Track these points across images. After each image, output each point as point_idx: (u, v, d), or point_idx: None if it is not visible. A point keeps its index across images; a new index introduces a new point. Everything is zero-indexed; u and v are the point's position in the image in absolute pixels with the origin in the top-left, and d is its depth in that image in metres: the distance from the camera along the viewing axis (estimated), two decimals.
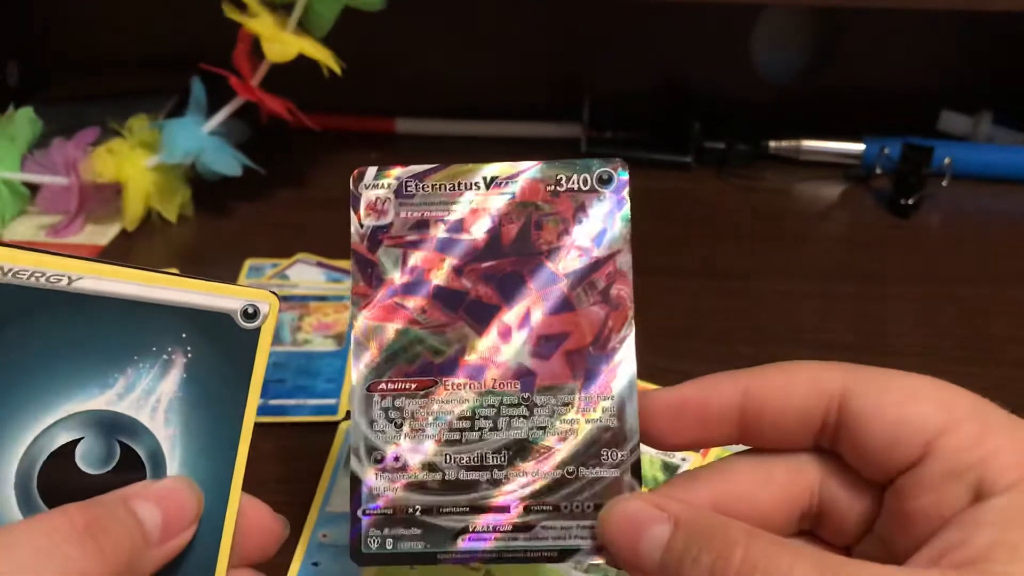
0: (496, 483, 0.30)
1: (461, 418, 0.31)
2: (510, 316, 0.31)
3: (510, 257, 0.32)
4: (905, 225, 0.68)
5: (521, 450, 0.30)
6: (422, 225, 0.32)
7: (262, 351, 0.28)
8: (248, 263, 0.61)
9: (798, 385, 0.28)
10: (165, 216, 0.66)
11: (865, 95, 0.79)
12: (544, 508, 0.30)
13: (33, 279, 0.27)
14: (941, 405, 0.26)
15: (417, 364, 0.31)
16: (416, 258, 0.32)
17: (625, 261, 0.32)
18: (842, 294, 0.60)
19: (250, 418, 0.28)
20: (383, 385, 0.31)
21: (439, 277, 0.32)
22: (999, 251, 0.65)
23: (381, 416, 0.31)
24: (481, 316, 0.31)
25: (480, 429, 0.30)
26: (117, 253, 0.63)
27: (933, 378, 0.27)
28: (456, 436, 0.31)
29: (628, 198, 0.33)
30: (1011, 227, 0.70)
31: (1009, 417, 0.26)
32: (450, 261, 0.32)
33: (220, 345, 0.28)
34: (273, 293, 0.29)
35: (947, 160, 0.71)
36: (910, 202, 0.69)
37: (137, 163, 0.64)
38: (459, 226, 0.32)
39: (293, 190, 0.71)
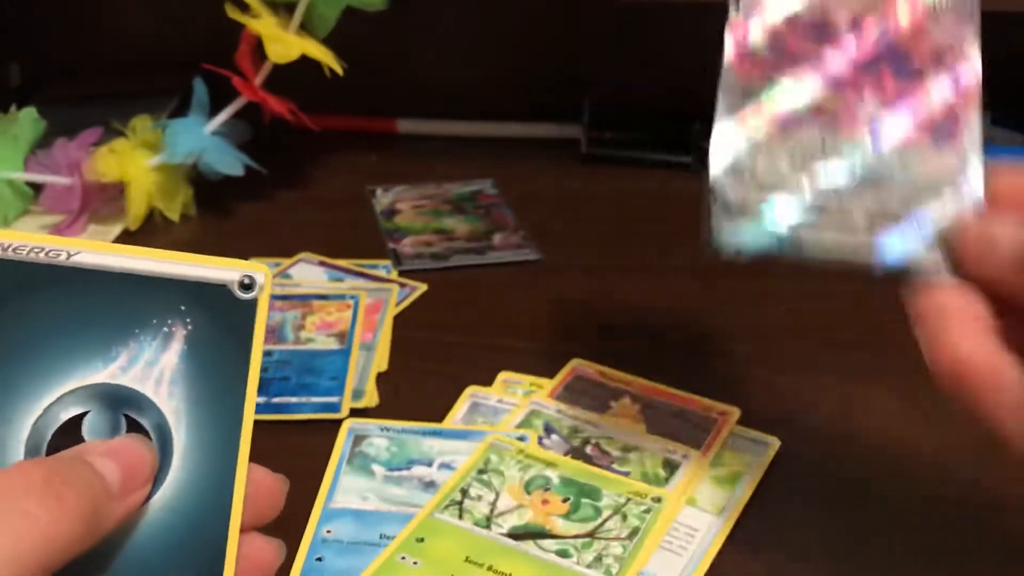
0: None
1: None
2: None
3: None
4: None
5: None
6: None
7: (260, 321, 0.28)
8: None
9: None
10: (167, 216, 0.66)
11: None
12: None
13: (32, 254, 0.28)
14: None
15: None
16: None
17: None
18: (843, 292, 0.60)
19: (252, 387, 0.28)
20: None
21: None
22: None
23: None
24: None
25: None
26: None
27: None
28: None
29: None
30: None
31: None
32: None
33: (219, 316, 0.28)
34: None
35: None
36: None
37: (139, 163, 0.64)
38: None
39: (295, 190, 0.72)
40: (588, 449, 0.45)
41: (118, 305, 0.28)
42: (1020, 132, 0.77)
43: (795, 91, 0.38)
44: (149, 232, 0.65)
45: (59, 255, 0.28)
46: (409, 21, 0.75)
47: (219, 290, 0.28)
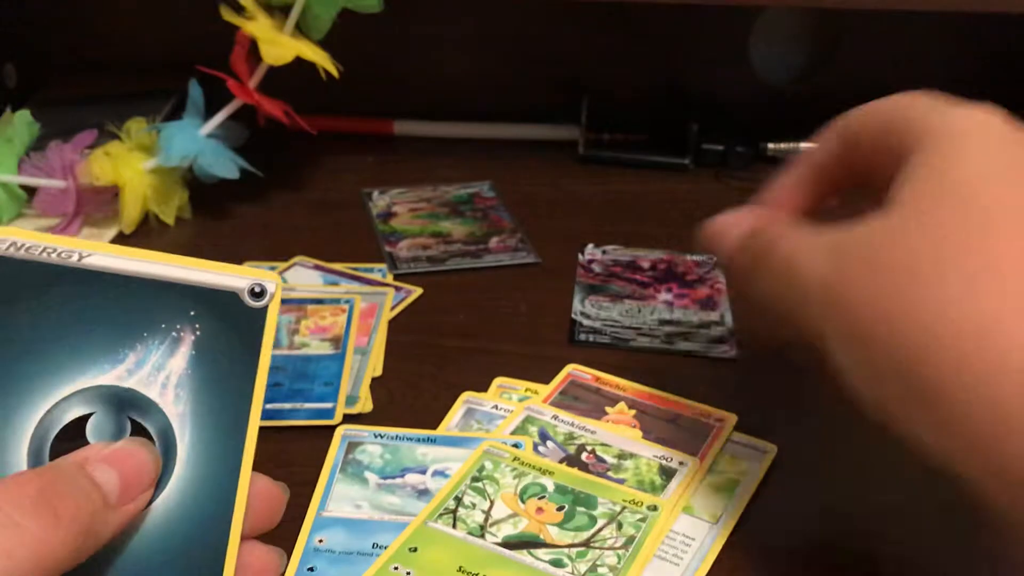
0: None
1: None
2: None
3: None
4: None
5: None
6: None
7: (269, 330, 0.29)
8: (245, 265, 0.60)
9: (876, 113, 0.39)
10: (163, 219, 0.66)
11: (864, 97, 0.78)
12: None
13: (44, 254, 0.28)
14: (900, 103, 0.38)
15: None
16: None
17: None
18: None
19: (259, 397, 0.28)
20: None
21: None
22: None
23: None
24: None
25: None
26: None
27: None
28: None
29: None
30: None
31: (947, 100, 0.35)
32: None
33: (228, 323, 0.28)
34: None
35: None
36: None
37: (134, 166, 0.64)
38: None
39: (291, 193, 0.71)
40: (583, 456, 0.45)
41: (127, 308, 0.28)
42: None
43: None
44: (144, 235, 0.65)
45: (71, 256, 0.28)
46: (405, 22, 0.75)
47: (229, 297, 0.28)
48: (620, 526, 0.41)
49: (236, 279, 0.29)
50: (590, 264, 0.62)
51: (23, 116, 0.66)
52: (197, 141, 0.65)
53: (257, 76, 0.64)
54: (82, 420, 0.28)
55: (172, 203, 0.66)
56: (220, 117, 0.65)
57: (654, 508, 0.41)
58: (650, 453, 0.45)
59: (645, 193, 0.73)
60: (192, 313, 0.28)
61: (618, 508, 0.41)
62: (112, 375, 0.28)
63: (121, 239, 0.65)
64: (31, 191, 0.66)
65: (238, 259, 0.61)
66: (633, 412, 0.48)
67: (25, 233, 0.28)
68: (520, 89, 0.81)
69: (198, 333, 0.28)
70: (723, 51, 0.80)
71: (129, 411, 0.28)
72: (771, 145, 0.76)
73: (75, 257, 0.28)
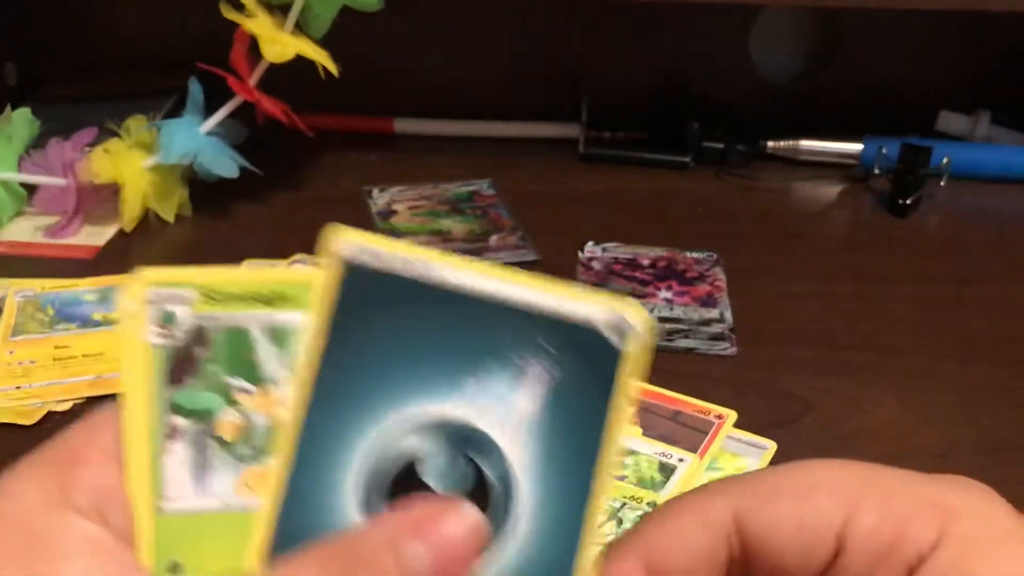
0: None
1: None
2: None
3: None
4: (903, 225, 0.68)
5: None
6: None
7: (627, 373, 0.25)
8: (245, 264, 0.60)
9: (690, 531, 0.25)
10: (162, 217, 0.66)
11: (863, 95, 0.79)
12: None
13: (398, 264, 0.24)
14: (837, 492, 0.25)
15: None
16: None
17: None
18: (840, 294, 0.59)
19: (609, 449, 0.24)
20: None
21: None
22: (997, 251, 0.65)
23: None
24: None
25: None
26: (114, 254, 0.63)
27: (818, 461, 0.26)
28: None
29: None
30: (1009, 227, 0.70)
31: (897, 473, 0.25)
32: None
33: (583, 361, 0.24)
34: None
35: (945, 160, 0.71)
36: (908, 202, 0.69)
37: (134, 164, 0.64)
38: None
39: (291, 191, 0.71)
40: None
41: (474, 331, 0.24)
42: (1020, 132, 0.77)
43: None
44: (144, 233, 0.65)
45: (428, 269, 0.24)
46: (406, 21, 0.75)
47: (586, 331, 0.24)
48: (620, 522, 0.41)
49: (595, 309, 0.24)
50: (590, 262, 0.62)
51: (23, 114, 0.66)
52: (197, 139, 0.65)
53: (257, 74, 0.64)
54: (420, 452, 0.24)
55: (172, 201, 0.66)
56: (220, 115, 0.65)
57: (654, 505, 0.41)
58: (650, 450, 0.45)
59: (645, 191, 0.73)
60: (542, 344, 0.24)
61: (618, 504, 0.41)
62: (451, 404, 0.24)
63: (121, 237, 0.65)
64: (31, 189, 0.66)
65: (238, 257, 0.61)
66: (633, 409, 0.48)
67: (379, 240, 0.24)
68: (520, 87, 0.81)
69: (547, 368, 0.24)
70: (723, 50, 0.80)
71: (467, 449, 0.24)
72: (771, 143, 0.76)
73: (429, 270, 0.24)
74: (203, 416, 0.24)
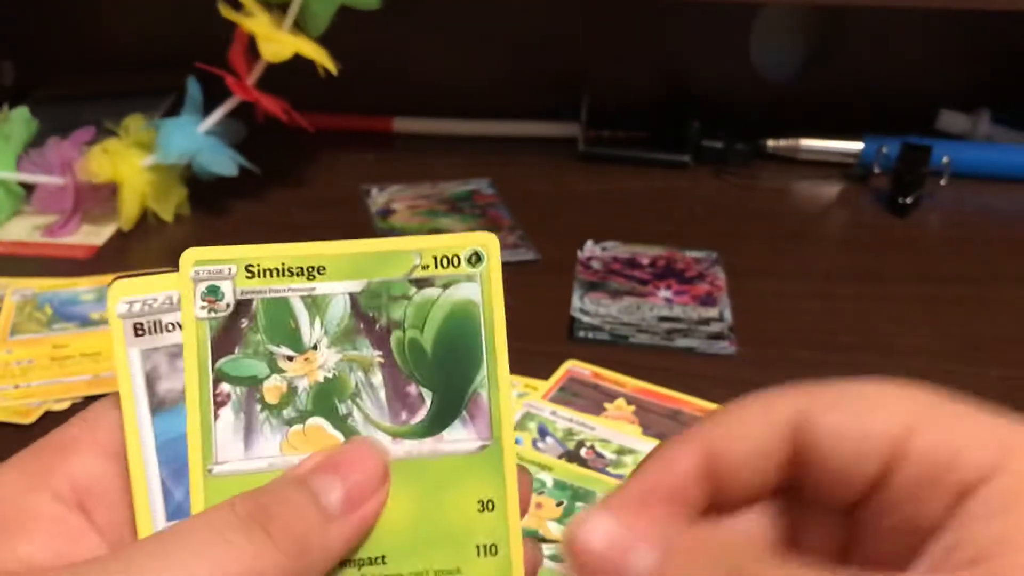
0: None
1: None
2: None
3: None
4: (903, 224, 0.68)
5: None
6: None
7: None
8: None
9: (750, 425, 0.26)
10: (161, 216, 0.66)
11: (864, 94, 0.79)
12: None
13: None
14: (900, 408, 0.25)
15: None
16: None
17: None
18: (840, 293, 0.59)
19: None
20: None
21: None
22: (998, 250, 0.65)
23: None
24: None
25: None
26: (113, 253, 0.63)
27: (887, 380, 0.26)
28: None
29: None
30: (1010, 226, 0.70)
31: (961, 402, 0.25)
32: None
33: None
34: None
35: (945, 159, 0.70)
36: (908, 201, 0.69)
37: (133, 163, 0.64)
38: None
39: (289, 190, 0.71)
40: (583, 452, 0.45)
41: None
42: (1020, 131, 0.77)
43: None
44: (142, 232, 0.65)
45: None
46: (404, 20, 0.75)
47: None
48: None
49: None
50: (589, 261, 0.62)
51: (21, 113, 0.66)
52: (195, 138, 0.64)
53: (256, 73, 0.64)
54: None
55: (171, 200, 0.66)
56: (218, 114, 0.65)
57: None
58: (649, 448, 0.45)
59: (645, 190, 0.73)
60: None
61: None
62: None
63: (119, 236, 0.65)
64: (29, 188, 0.66)
65: None
66: (632, 408, 0.48)
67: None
68: (520, 86, 0.81)
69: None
70: (723, 49, 0.80)
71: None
72: (771, 142, 0.76)
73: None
74: (249, 382, 0.26)
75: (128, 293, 0.26)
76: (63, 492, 0.25)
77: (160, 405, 0.26)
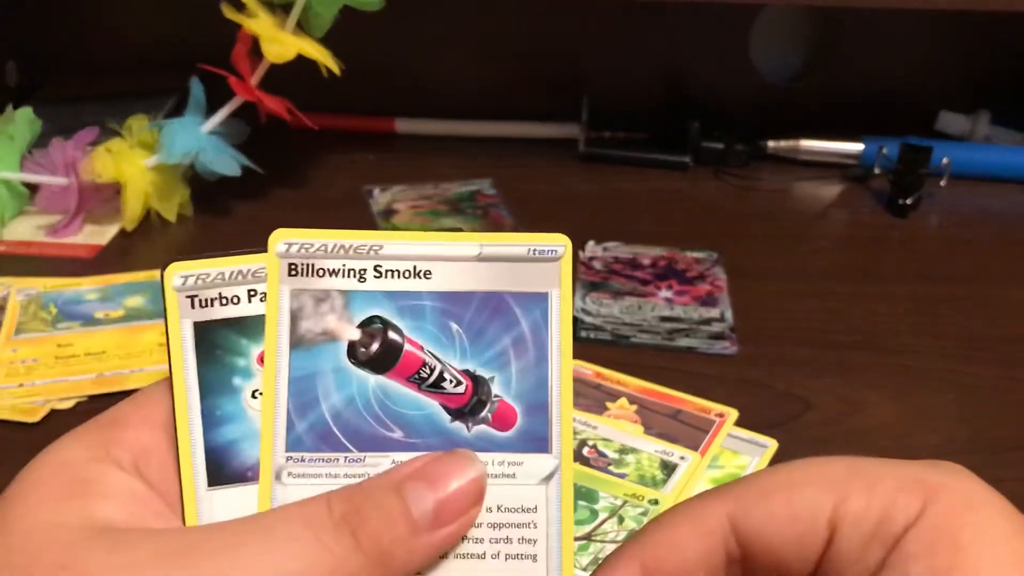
0: None
1: None
2: None
3: None
4: (903, 225, 0.69)
5: None
6: None
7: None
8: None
9: (686, 538, 0.26)
10: (164, 216, 0.66)
11: (863, 95, 0.79)
12: None
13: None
14: (824, 483, 0.26)
15: None
16: None
17: None
18: (840, 294, 0.60)
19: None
20: None
21: None
22: (997, 251, 0.65)
23: None
24: None
25: None
26: (116, 253, 0.63)
27: (806, 459, 0.27)
28: None
29: None
30: (1009, 227, 0.70)
31: (880, 461, 0.26)
32: None
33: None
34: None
35: (945, 160, 0.71)
36: (908, 202, 0.69)
37: (136, 163, 0.64)
38: None
39: (292, 190, 0.71)
40: (585, 451, 0.45)
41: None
42: (1020, 132, 0.77)
43: None
44: (145, 232, 0.65)
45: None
46: (407, 20, 0.75)
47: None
48: (621, 520, 0.41)
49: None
50: (591, 261, 0.62)
51: (25, 113, 0.66)
52: (199, 138, 0.65)
53: (259, 74, 0.64)
54: None
55: (174, 200, 0.66)
56: (222, 115, 0.65)
57: (655, 502, 0.42)
58: (651, 448, 0.45)
59: (645, 191, 0.73)
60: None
61: (619, 502, 0.42)
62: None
63: (123, 236, 0.65)
64: (33, 188, 0.66)
65: None
66: (634, 407, 0.48)
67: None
68: (521, 87, 0.81)
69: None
70: (723, 50, 0.80)
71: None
72: (771, 143, 0.76)
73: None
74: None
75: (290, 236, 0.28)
76: (124, 462, 0.26)
77: (299, 342, 0.27)
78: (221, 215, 0.68)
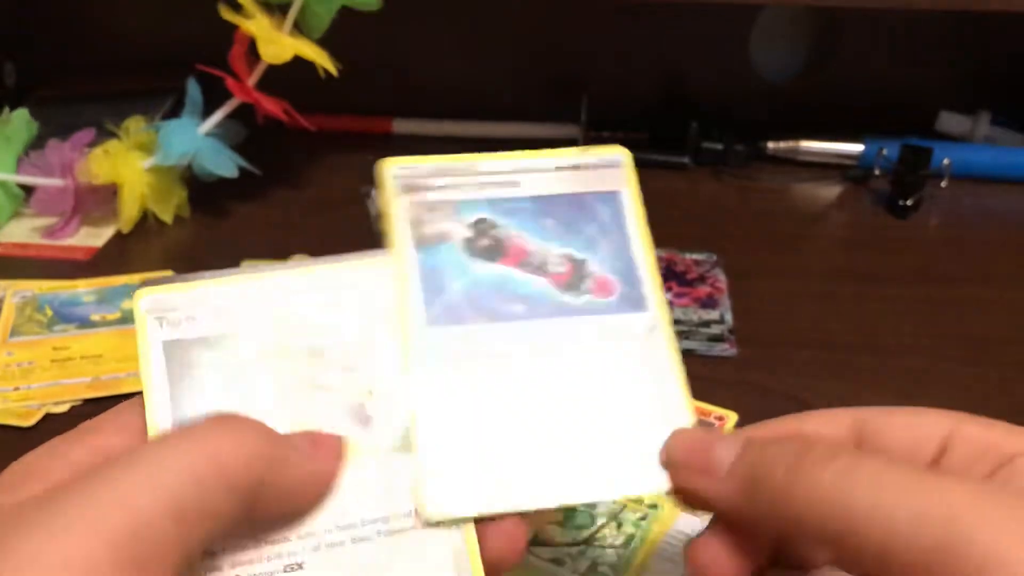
0: None
1: None
2: None
3: None
4: (903, 226, 0.68)
5: None
6: None
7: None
8: (244, 264, 0.60)
9: (813, 421, 0.32)
10: (161, 217, 0.66)
11: (863, 95, 0.79)
12: None
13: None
14: (941, 413, 0.30)
15: None
16: None
17: None
18: (840, 295, 0.59)
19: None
20: None
21: None
22: (998, 251, 0.65)
23: None
24: None
25: None
26: (113, 255, 0.63)
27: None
28: None
29: None
30: (1010, 227, 0.70)
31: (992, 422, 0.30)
32: None
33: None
34: None
35: (946, 161, 0.70)
36: (909, 203, 0.69)
37: (133, 164, 0.64)
38: None
39: (289, 191, 0.71)
40: None
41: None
42: (1020, 132, 0.77)
43: None
44: (142, 234, 0.65)
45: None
46: (405, 21, 0.75)
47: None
48: (620, 524, 0.40)
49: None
50: None
51: (21, 115, 0.66)
52: (196, 140, 0.64)
53: (256, 75, 0.64)
54: None
55: (171, 202, 0.66)
56: (219, 116, 0.65)
57: (654, 507, 0.41)
58: None
59: (644, 192, 0.72)
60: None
61: (618, 507, 0.41)
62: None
63: (119, 238, 0.65)
64: (29, 190, 0.66)
65: (236, 258, 0.60)
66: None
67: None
68: (519, 88, 0.81)
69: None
70: (722, 50, 0.80)
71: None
72: (770, 144, 0.76)
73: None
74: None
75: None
76: (81, 458, 0.27)
77: (422, 241, 0.32)
78: (218, 216, 0.68)
